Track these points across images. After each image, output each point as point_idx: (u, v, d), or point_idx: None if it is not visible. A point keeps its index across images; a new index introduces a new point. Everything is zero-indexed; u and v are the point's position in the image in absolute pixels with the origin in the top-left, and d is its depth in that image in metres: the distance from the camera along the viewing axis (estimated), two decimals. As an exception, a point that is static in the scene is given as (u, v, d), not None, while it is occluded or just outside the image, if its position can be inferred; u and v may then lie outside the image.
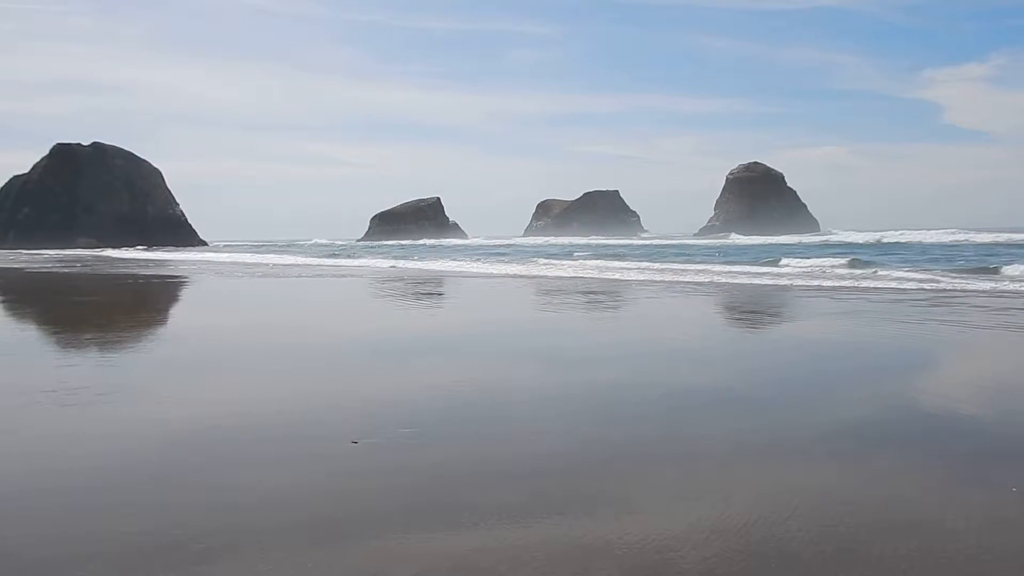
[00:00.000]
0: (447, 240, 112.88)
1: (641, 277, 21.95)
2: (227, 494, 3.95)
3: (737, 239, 79.41)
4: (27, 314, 15.49)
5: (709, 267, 26.03)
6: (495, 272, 26.59)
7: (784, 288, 17.29)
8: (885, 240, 51.97)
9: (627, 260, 32.79)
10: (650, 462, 4.52)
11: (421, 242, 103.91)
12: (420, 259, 39.32)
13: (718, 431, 5.20)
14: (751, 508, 3.73)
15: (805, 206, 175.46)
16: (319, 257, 45.09)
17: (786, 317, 13.05)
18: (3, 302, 18.72)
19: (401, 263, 34.99)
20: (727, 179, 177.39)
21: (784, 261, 27.89)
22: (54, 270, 35.18)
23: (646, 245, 60.96)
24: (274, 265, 35.96)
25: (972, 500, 3.87)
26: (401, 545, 3.34)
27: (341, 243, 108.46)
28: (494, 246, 68.18)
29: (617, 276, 22.63)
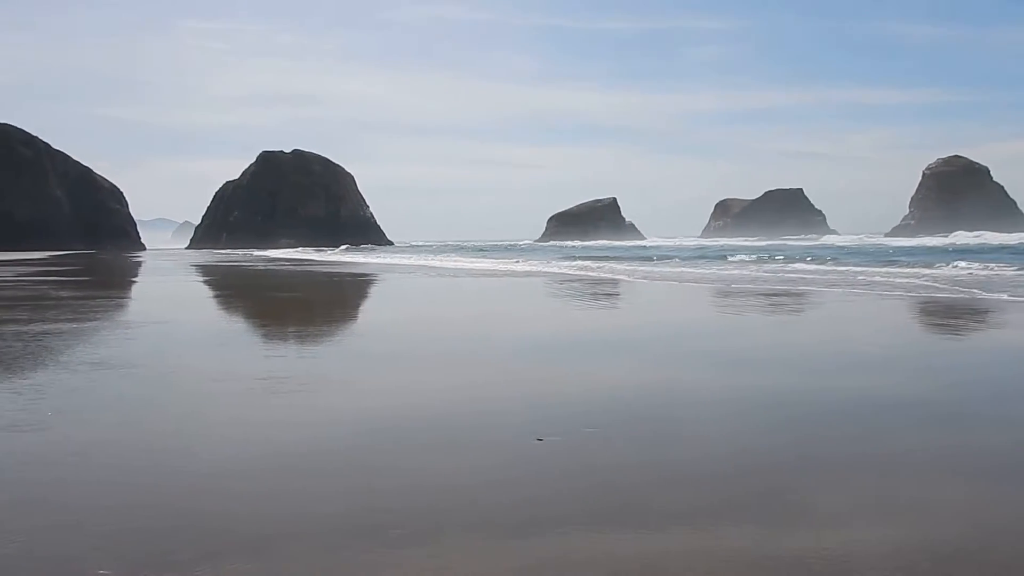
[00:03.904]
0: (600, 242, 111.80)
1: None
2: (418, 484, 4.14)
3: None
4: (238, 308, 16.94)
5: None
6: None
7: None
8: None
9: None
10: (845, 473, 4.30)
11: (586, 243, 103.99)
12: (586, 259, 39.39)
13: (917, 444, 4.87)
14: (960, 531, 3.47)
15: (1014, 202, 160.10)
16: (499, 258, 46.17)
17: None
18: (218, 297, 20.65)
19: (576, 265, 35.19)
20: (924, 174, 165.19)
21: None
22: (261, 268, 38.23)
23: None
24: (454, 267, 37.22)
25: None
26: (588, 544, 3.36)
27: (520, 244, 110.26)
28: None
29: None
